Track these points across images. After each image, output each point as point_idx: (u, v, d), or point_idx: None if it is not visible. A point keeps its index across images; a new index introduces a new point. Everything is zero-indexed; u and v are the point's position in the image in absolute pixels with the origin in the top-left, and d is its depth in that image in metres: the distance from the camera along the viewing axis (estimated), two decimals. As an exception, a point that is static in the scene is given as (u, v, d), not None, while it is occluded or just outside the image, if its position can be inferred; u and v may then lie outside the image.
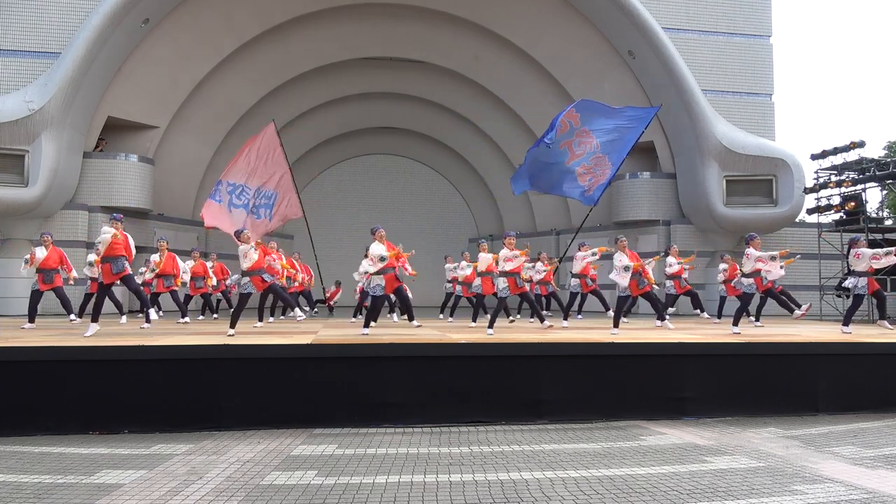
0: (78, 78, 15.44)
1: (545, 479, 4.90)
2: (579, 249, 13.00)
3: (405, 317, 10.47)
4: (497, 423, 7.00)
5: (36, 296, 11.05)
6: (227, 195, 13.40)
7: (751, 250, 10.03)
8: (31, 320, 10.80)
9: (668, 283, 13.25)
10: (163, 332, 9.69)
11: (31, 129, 15.08)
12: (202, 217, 13.15)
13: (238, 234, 9.44)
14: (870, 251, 10.14)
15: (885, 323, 10.50)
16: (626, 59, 18.73)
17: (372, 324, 9.77)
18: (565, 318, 12.01)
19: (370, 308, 9.83)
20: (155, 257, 12.12)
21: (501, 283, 10.08)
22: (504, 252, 9.99)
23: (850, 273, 10.36)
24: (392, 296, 10.10)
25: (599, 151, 12.82)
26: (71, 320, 11.71)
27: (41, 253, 10.93)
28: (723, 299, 13.74)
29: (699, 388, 7.51)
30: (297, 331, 10.03)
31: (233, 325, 9.01)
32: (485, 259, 10.83)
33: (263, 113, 21.33)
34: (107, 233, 8.98)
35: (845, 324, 10.10)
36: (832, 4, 62.86)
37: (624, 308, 10.45)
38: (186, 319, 12.11)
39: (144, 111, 18.16)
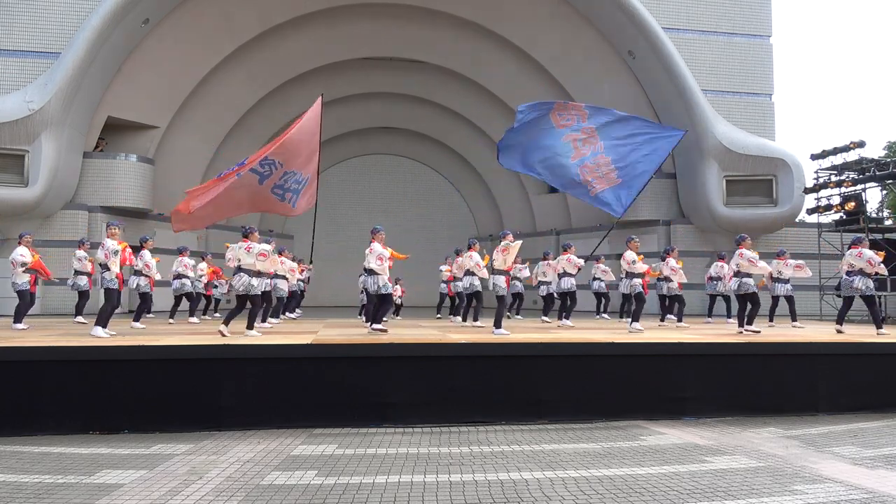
0: (78, 78, 15.45)
1: (545, 479, 4.90)
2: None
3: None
4: (497, 423, 6.99)
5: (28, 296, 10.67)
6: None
7: (744, 251, 9.99)
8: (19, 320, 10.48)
9: (663, 284, 12.74)
10: (163, 332, 9.69)
11: (31, 129, 15.09)
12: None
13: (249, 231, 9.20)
14: (870, 252, 10.08)
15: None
16: (626, 59, 18.73)
17: (384, 320, 9.76)
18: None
19: (381, 305, 9.81)
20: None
21: (500, 280, 10.01)
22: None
23: (851, 273, 10.20)
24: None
25: (603, 153, 11.94)
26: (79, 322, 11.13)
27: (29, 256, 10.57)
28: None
29: (699, 388, 7.51)
30: (298, 331, 10.03)
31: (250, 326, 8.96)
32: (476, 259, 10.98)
33: (263, 113, 21.37)
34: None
35: (879, 327, 10.00)
36: (832, 4, 62.89)
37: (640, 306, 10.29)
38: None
39: (144, 111, 18.16)
